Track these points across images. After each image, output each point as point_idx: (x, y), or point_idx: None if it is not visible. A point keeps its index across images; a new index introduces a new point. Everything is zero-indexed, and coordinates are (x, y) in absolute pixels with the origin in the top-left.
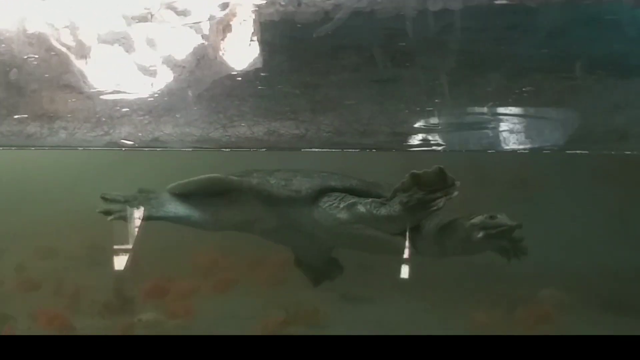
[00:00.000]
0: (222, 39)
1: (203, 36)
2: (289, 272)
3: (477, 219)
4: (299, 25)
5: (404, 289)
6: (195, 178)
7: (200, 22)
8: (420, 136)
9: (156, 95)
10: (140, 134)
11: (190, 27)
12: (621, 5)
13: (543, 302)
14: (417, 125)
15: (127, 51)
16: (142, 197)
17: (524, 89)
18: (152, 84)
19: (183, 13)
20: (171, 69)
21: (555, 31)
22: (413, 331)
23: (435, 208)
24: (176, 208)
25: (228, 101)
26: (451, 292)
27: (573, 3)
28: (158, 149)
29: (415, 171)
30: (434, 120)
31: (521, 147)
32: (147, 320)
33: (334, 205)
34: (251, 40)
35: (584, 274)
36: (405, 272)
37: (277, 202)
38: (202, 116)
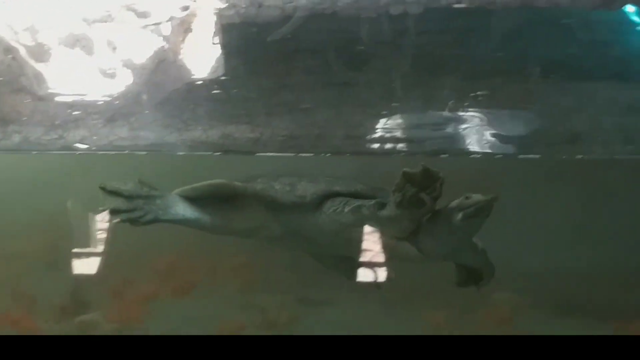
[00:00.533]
0: (182, 41)
1: (164, 38)
2: (247, 275)
3: (453, 202)
4: (254, 29)
5: (361, 291)
6: (200, 183)
7: (160, 23)
8: (375, 140)
9: (111, 98)
10: (95, 138)
11: (151, 29)
12: (577, 9)
13: (498, 303)
14: (372, 128)
15: (87, 53)
16: (145, 194)
17: (479, 93)
18: (108, 87)
19: (143, 15)
20: (130, 72)
21: (511, 34)
22: (369, 332)
23: (427, 205)
24: (185, 210)
25: (183, 105)
26: (408, 293)
27: (529, 6)
28: (112, 153)
29: (406, 169)
30: (389, 124)
31: (477, 150)
32: (83, 320)
33: (337, 210)
34: (212, 43)
35: (539, 275)
36: (362, 274)
37: (282, 208)
38: (157, 120)
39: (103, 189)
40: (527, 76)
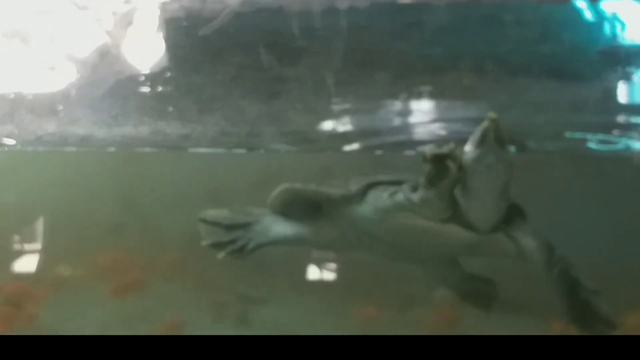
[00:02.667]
0: (125, 35)
1: (106, 32)
2: (185, 273)
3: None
4: (184, 24)
5: (299, 289)
6: (271, 196)
7: (101, 17)
8: (308, 135)
9: (44, 92)
10: (22, 133)
11: (93, 22)
12: (517, 3)
13: (436, 301)
14: (305, 124)
15: (25, 46)
16: (243, 222)
17: (413, 88)
18: (43, 82)
19: (84, 7)
20: (73, 65)
21: (446, 30)
22: (306, 331)
23: (452, 174)
24: (284, 229)
25: (112, 100)
26: (346, 291)
27: (472, 1)
28: (41, 149)
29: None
30: (322, 120)
31: (408, 147)
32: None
33: (377, 197)
34: (155, 37)
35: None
36: (301, 272)
37: (335, 204)
38: (87, 115)
39: (203, 220)
40: (462, 71)
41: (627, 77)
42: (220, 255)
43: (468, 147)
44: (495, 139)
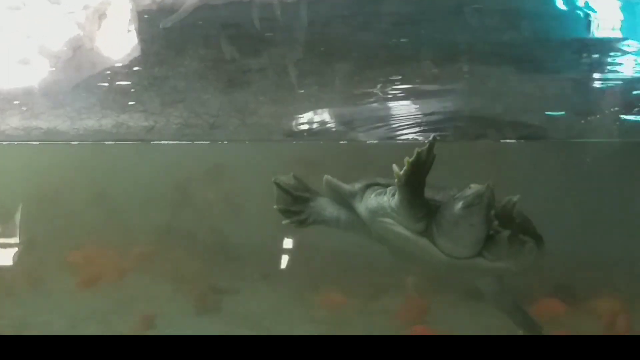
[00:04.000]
0: (98, 29)
1: (79, 26)
2: (155, 265)
3: (458, 194)
4: (146, 16)
5: (270, 280)
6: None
7: (74, 11)
8: (271, 127)
9: (4, 87)
10: None
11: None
12: None
13: (408, 289)
14: (267, 115)
15: None
16: (304, 196)
17: (376, 78)
18: (8, 76)
19: (57, 1)
20: (46, 59)
21: (407, 20)
22: (276, 321)
23: (420, 174)
24: (338, 212)
25: (75, 93)
26: (316, 280)
27: None
28: (4, 143)
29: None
30: (284, 111)
31: (372, 137)
32: None
33: (368, 197)
34: (127, 30)
35: None
36: (271, 262)
37: (343, 199)
38: (49, 109)
39: (277, 185)
40: (423, 61)
41: (594, 67)
42: (286, 222)
43: (457, 201)
44: (486, 205)
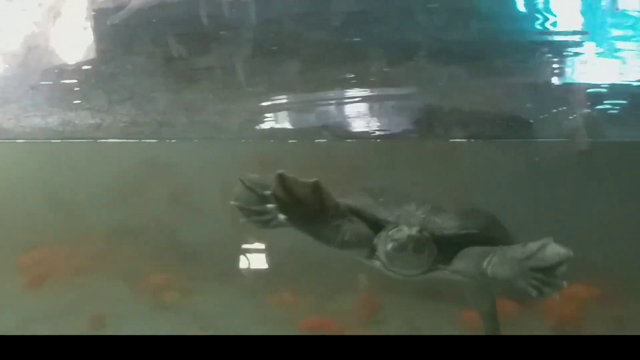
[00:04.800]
0: (53, 26)
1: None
2: (109, 264)
3: (410, 207)
4: (97, 14)
5: (222, 279)
6: None
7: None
8: (219, 125)
9: None
10: None
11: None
12: None
13: (361, 288)
14: (215, 113)
15: None
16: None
17: (325, 77)
18: None
19: None
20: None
21: (355, 18)
22: (229, 321)
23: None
24: None
25: (21, 91)
26: (269, 279)
27: None
28: None
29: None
30: (232, 109)
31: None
32: None
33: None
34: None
35: None
36: (225, 262)
37: None
38: None
39: (242, 182)
40: (375, 60)
41: (549, 68)
42: (243, 220)
43: (389, 240)
44: (413, 249)
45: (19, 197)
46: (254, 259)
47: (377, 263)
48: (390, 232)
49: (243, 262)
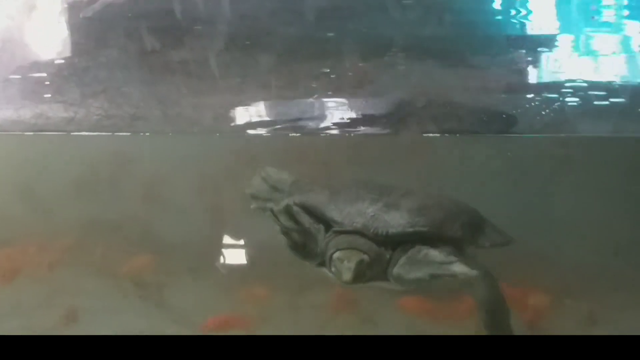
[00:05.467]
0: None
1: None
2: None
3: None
4: (72, 7)
5: (196, 273)
6: None
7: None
8: (193, 119)
9: None
10: None
11: None
12: None
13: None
14: (189, 107)
15: None
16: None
17: (298, 71)
18: None
19: None
20: None
21: (331, 12)
22: (200, 314)
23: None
24: None
25: None
26: (243, 274)
27: None
28: None
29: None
30: (207, 102)
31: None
32: None
33: None
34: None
35: None
36: (199, 255)
37: None
38: None
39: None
40: (347, 55)
41: (524, 62)
42: (252, 206)
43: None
44: (353, 278)
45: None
46: (230, 254)
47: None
48: (335, 255)
49: (218, 257)
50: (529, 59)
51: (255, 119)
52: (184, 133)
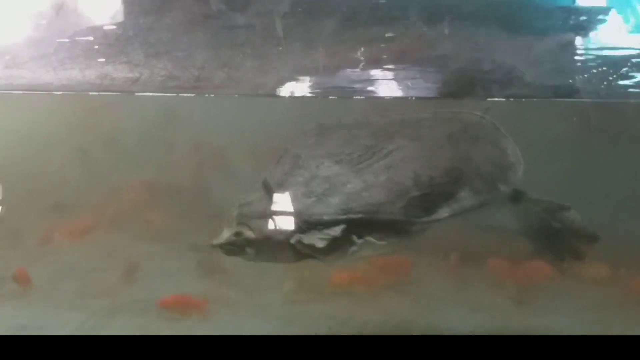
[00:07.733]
0: None
1: None
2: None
3: None
4: None
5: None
6: None
7: None
8: (257, 81)
9: None
10: None
11: None
12: None
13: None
14: (253, 69)
15: None
16: None
17: (362, 36)
18: None
19: None
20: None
21: None
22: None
23: None
24: None
25: (58, 43)
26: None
27: None
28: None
29: None
30: (270, 66)
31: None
32: None
33: None
34: None
35: None
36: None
37: None
38: (33, 59)
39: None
40: (411, 20)
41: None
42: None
43: None
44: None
45: (55, 150)
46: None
47: None
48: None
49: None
50: (596, 25)
51: (318, 83)
52: (247, 95)
